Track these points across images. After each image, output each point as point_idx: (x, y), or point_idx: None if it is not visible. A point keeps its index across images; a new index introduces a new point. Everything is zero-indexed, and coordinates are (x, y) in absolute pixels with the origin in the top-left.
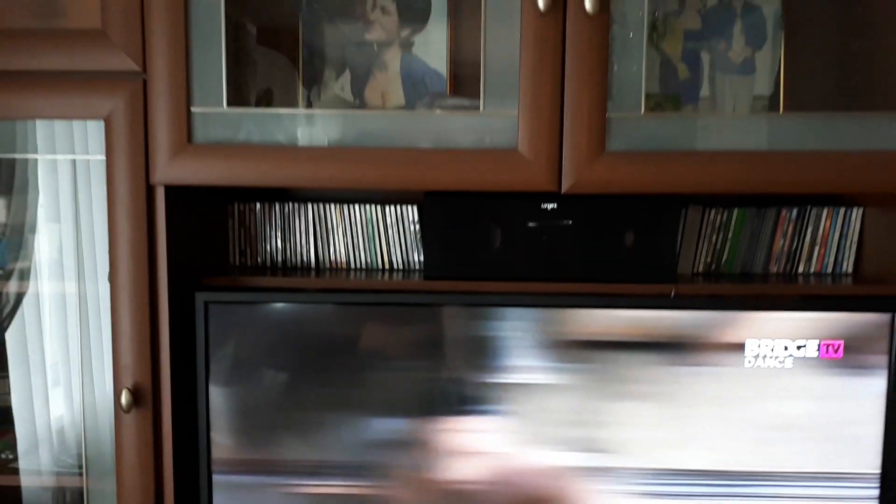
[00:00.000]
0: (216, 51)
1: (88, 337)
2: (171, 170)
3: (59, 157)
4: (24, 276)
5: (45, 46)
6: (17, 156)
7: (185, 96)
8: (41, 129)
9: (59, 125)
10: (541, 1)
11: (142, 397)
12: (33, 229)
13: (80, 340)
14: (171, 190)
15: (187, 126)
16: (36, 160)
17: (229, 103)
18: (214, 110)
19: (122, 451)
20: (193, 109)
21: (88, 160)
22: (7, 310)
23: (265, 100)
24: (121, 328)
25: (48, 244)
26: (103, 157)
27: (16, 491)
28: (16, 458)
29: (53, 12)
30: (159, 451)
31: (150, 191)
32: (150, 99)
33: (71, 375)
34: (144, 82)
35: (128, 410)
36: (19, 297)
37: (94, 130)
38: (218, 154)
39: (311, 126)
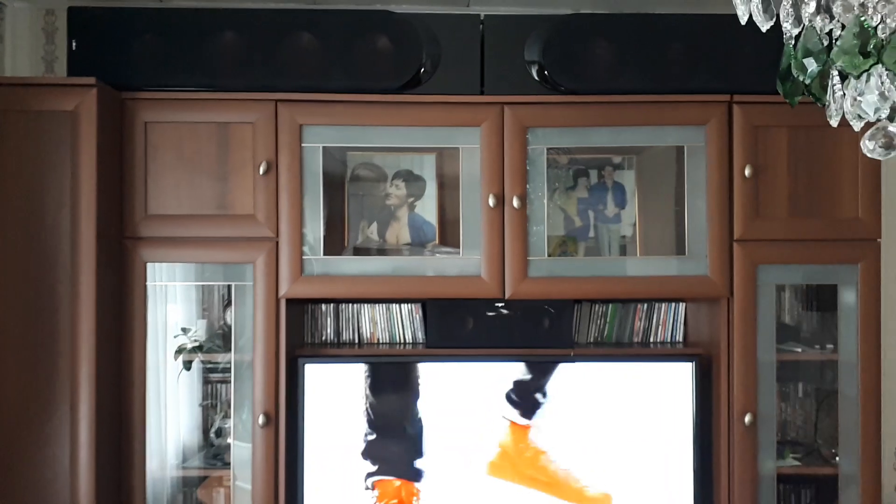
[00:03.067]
0: (318, 223)
1: (245, 383)
2: (289, 290)
3: (234, 283)
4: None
5: (222, 223)
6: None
7: (299, 250)
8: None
9: (223, 267)
10: (490, 200)
11: (269, 420)
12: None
13: (234, 387)
14: (287, 300)
15: (300, 266)
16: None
17: (325, 253)
18: (316, 257)
19: (256, 452)
20: (304, 257)
21: (243, 284)
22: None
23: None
24: (257, 377)
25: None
26: (252, 283)
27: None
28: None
29: (226, 205)
30: (277, 454)
31: (277, 301)
32: (280, 252)
33: (231, 407)
34: (276, 242)
35: (262, 426)
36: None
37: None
38: (316, 281)
39: (361, 263)
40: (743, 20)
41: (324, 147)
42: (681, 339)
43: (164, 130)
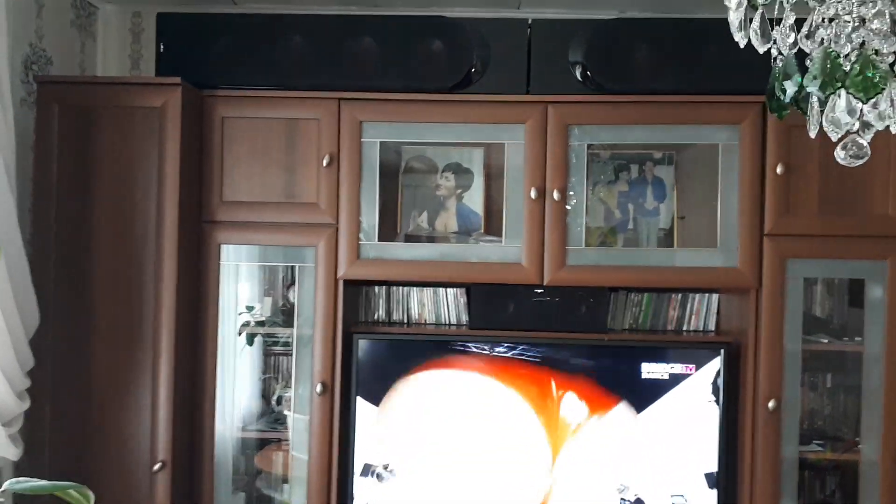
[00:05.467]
0: (373, 212)
1: (299, 357)
2: (347, 271)
3: (297, 264)
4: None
5: (289, 210)
6: (279, 264)
7: (356, 236)
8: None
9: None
10: (532, 193)
11: (326, 388)
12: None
13: (294, 359)
14: (345, 281)
15: (356, 250)
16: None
17: (379, 239)
18: (371, 242)
19: (314, 417)
20: (360, 242)
21: (305, 266)
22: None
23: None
24: (316, 351)
25: (279, 312)
26: (313, 265)
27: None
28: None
29: (293, 193)
30: (332, 420)
31: (336, 282)
32: (339, 237)
33: (292, 377)
34: (336, 228)
35: (319, 394)
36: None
37: (308, 252)
38: (371, 264)
39: (411, 248)
40: (742, 43)
41: (381, 142)
42: (713, 329)
43: (238, 125)
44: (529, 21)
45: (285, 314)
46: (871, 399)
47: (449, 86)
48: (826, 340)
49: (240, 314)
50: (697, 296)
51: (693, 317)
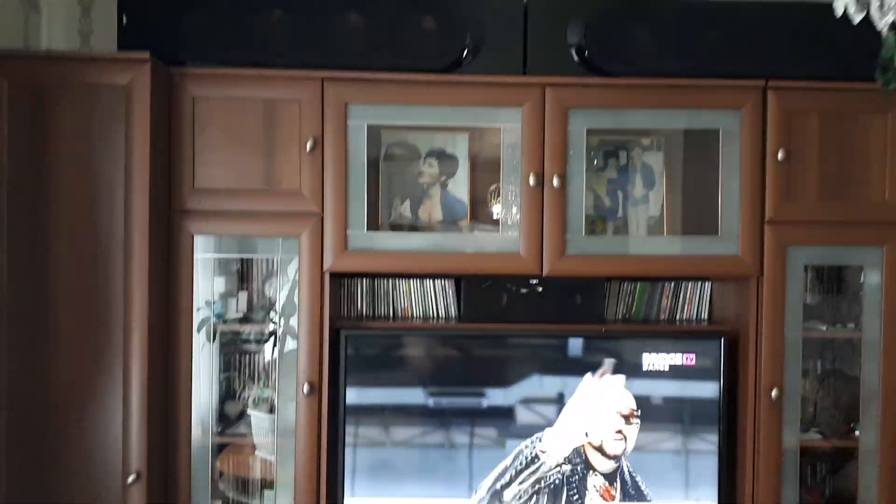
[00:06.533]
0: (361, 200)
1: (285, 354)
2: (334, 264)
3: (276, 256)
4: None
5: (268, 198)
6: (255, 255)
7: (343, 225)
8: (262, 242)
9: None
10: (531, 179)
11: (313, 389)
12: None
13: (280, 357)
14: (331, 274)
15: (344, 241)
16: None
17: (368, 229)
18: (359, 232)
19: (299, 420)
20: (348, 232)
21: (286, 258)
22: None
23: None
24: (301, 348)
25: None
26: (296, 256)
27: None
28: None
29: (273, 180)
30: (320, 420)
31: (322, 275)
32: (325, 226)
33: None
34: (321, 217)
35: (306, 395)
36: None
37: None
38: (359, 256)
39: (402, 238)
40: (838, 13)
41: (368, 125)
42: (705, 317)
43: (212, 106)
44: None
45: (264, 310)
46: (869, 385)
47: (441, 66)
48: (824, 328)
49: (211, 309)
50: (690, 284)
51: (686, 305)
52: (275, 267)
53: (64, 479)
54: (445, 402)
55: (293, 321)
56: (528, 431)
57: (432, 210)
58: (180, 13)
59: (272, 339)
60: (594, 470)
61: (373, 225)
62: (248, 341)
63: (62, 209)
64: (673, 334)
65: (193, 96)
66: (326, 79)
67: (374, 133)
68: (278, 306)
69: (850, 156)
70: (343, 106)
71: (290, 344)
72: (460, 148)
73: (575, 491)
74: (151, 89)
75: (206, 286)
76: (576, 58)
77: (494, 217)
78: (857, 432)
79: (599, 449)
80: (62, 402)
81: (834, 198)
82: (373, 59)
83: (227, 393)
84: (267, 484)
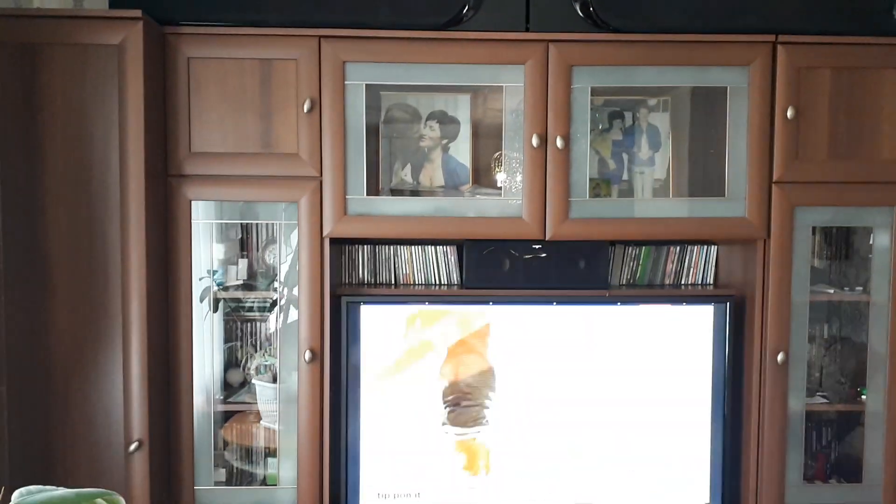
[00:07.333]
0: (360, 163)
1: (288, 322)
2: (333, 229)
3: (276, 222)
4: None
5: (266, 162)
6: (255, 221)
7: (343, 189)
8: (262, 208)
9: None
10: (534, 140)
11: (315, 356)
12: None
13: (283, 325)
14: (331, 240)
15: (343, 205)
16: (266, 224)
17: (368, 193)
18: (358, 197)
19: (301, 387)
20: (347, 196)
21: (286, 224)
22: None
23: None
24: (302, 315)
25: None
26: (295, 222)
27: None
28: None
29: (270, 143)
30: (322, 386)
31: (321, 241)
32: (323, 191)
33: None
34: (320, 182)
35: (308, 362)
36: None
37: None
38: (359, 221)
39: (403, 203)
40: None
41: (367, 85)
42: (711, 282)
43: (206, 67)
44: None
45: (264, 277)
46: (876, 347)
47: (441, 22)
48: (831, 291)
49: (213, 278)
50: (696, 247)
51: (692, 270)
52: (275, 233)
53: (66, 447)
54: None
55: (296, 290)
56: None
57: (433, 174)
58: None
59: (275, 307)
60: None
61: (373, 190)
62: (250, 309)
63: (55, 172)
64: (678, 298)
65: (188, 56)
66: (323, 37)
67: (373, 95)
68: (280, 275)
69: (861, 113)
70: (341, 65)
71: (293, 312)
72: (462, 110)
73: None
74: (144, 49)
75: (206, 252)
76: (580, 13)
77: (498, 184)
78: (863, 397)
79: None
80: (62, 370)
81: (843, 157)
82: (371, 17)
83: (231, 361)
84: (270, 452)
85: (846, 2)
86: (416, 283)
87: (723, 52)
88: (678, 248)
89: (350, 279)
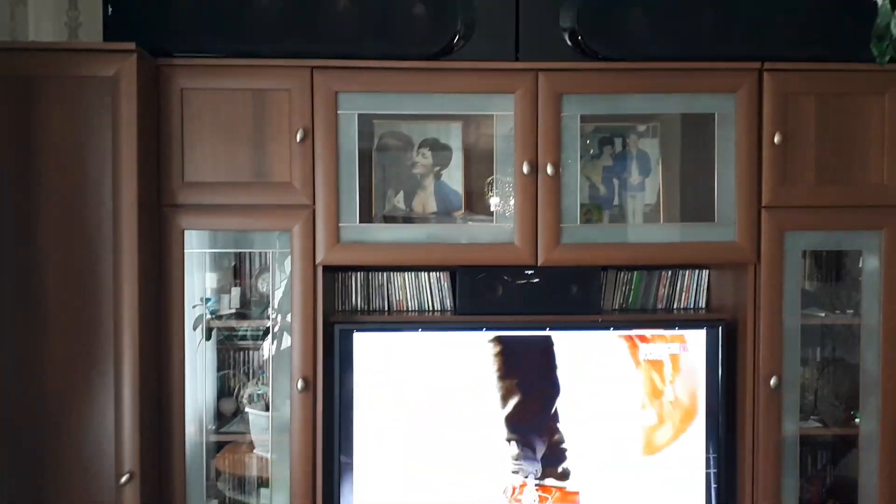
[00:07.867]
0: (353, 191)
1: (281, 350)
2: (326, 257)
3: (269, 251)
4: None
5: (259, 191)
6: (248, 250)
7: (335, 218)
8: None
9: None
10: (525, 168)
11: (308, 384)
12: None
13: (275, 351)
14: (324, 267)
15: (336, 233)
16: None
17: (361, 220)
18: (351, 225)
19: (294, 416)
20: (340, 224)
21: (278, 252)
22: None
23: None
24: (295, 344)
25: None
26: (288, 250)
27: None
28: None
29: (263, 172)
30: (315, 415)
31: (314, 269)
32: (316, 219)
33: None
34: (313, 210)
35: (301, 391)
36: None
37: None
38: (352, 249)
39: (395, 230)
40: None
41: (359, 114)
42: (703, 306)
43: (200, 97)
44: None
45: (257, 305)
46: (868, 371)
47: (432, 52)
48: (822, 314)
49: (206, 306)
50: (688, 272)
51: (683, 294)
52: (268, 262)
53: (57, 479)
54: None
55: (289, 318)
56: None
57: (426, 201)
58: (166, 2)
59: (268, 335)
60: None
61: (366, 217)
62: (243, 337)
63: (49, 203)
64: (671, 323)
65: (181, 87)
66: (316, 67)
67: (366, 123)
68: (273, 302)
69: (848, 138)
70: (333, 95)
71: (286, 340)
72: (454, 138)
73: None
74: (138, 80)
75: (199, 282)
76: (569, 42)
77: (490, 209)
78: (857, 420)
79: None
80: (53, 401)
81: (831, 182)
82: (362, 47)
83: (223, 390)
84: (263, 482)
85: (830, 30)
86: (410, 309)
87: (709, 79)
88: (670, 272)
89: (343, 306)
